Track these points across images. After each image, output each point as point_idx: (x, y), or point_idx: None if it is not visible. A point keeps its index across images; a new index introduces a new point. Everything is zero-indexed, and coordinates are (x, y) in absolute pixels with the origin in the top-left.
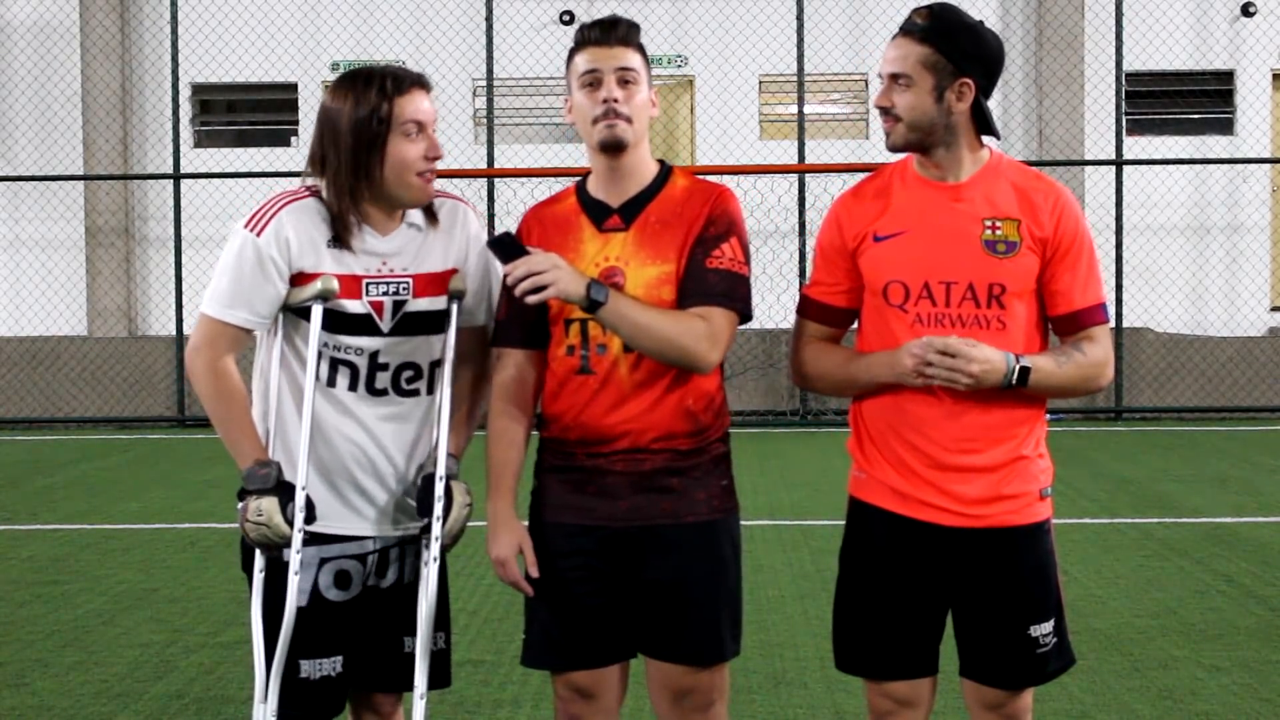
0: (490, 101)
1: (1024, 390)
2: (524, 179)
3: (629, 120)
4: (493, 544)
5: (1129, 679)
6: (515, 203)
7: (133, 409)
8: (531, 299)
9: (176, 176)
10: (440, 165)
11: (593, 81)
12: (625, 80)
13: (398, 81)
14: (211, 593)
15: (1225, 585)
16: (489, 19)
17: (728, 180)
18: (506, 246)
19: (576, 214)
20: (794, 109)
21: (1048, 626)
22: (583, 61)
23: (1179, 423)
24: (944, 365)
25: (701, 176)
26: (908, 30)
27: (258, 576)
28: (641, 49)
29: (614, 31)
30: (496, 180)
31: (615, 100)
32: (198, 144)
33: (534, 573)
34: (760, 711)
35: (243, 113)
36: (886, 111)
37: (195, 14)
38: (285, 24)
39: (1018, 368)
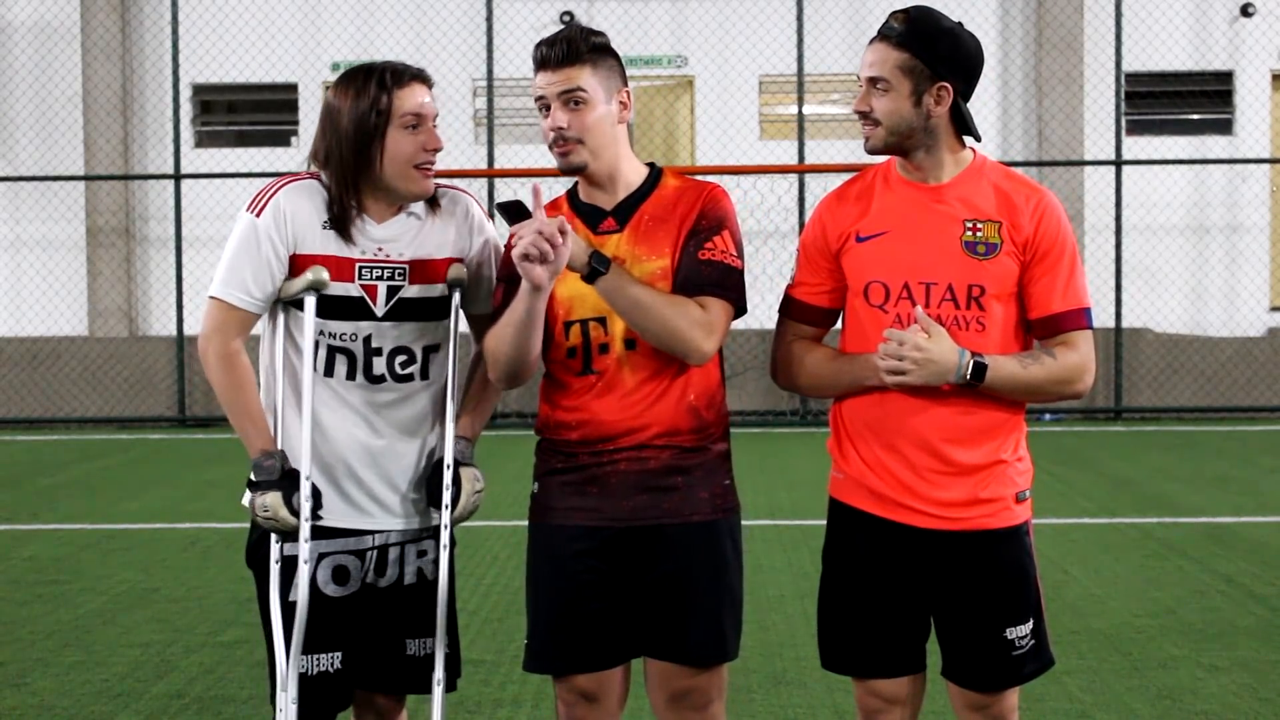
0: (490, 101)
1: (993, 391)
2: (524, 179)
3: (580, 142)
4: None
5: (1129, 679)
6: None
7: (133, 409)
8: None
9: (177, 177)
10: (440, 165)
11: (543, 106)
12: (574, 102)
13: (397, 75)
14: (212, 593)
15: (1225, 585)
16: (489, 19)
17: (727, 180)
18: (514, 211)
19: (569, 219)
20: (794, 109)
21: (1025, 629)
22: (535, 86)
23: (1179, 423)
24: (892, 354)
25: (701, 177)
26: (885, 35)
27: (274, 568)
28: (594, 60)
29: (555, 50)
30: (496, 180)
31: (561, 128)
32: (198, 144)
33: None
34: (760, 711)
35: (243, 113)
36: (865, 116)
37: (195, 14)
38: (285, 24)
39: (971, 362)
